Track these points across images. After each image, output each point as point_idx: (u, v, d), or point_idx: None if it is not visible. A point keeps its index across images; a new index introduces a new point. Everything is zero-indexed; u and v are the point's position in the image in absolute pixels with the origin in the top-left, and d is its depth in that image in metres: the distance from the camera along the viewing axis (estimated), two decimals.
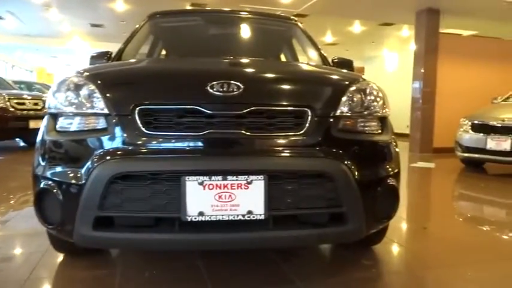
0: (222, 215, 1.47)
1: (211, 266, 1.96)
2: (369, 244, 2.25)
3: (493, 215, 3.45)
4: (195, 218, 1.46)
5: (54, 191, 1.55)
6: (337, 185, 1.55)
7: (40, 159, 1.65)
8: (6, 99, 6.50)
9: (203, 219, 1.46)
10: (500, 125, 5.02)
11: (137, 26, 2.88)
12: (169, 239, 1.50)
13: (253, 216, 1.48)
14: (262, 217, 1.48)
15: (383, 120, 1.85)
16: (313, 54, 2.81)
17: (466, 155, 5.41)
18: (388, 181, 1.76)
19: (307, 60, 2.82)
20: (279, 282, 1.83)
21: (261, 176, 1.48)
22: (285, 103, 1.62)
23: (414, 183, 5.04)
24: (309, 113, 1.60)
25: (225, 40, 3.03)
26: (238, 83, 1.58)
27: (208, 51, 2.76)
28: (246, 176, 1.47)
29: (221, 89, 1.56)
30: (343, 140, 1.64)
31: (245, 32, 3.08)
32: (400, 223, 2.97)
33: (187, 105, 1.54)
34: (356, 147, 1.67)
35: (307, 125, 1.59)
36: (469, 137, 5.30)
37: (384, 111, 1.84)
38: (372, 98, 1.81)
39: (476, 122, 5.31)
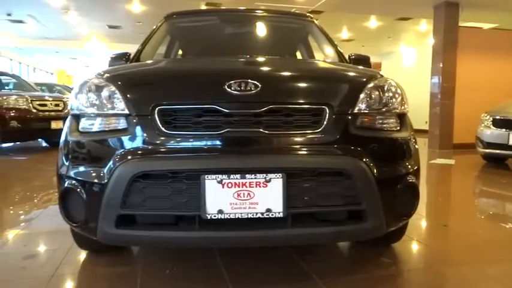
0: (241, 213, 1.48)
1: (230, 264, 1.98)
2: (388, 242, 2.23)
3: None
4: (215, 216, 1.47)
5: (78, 190, 1.59)
6: (356, 182, 1.54)
7: (64, 159, 1.70)
8: (29, 101, 6.67)
9: (222, 217, 1.48)
10: None
11: (154, 27, 2.92)
12: (189, 237, 1.52)
13: (272, 214, 1.49)
14: (281, 215, 1.49)
15: (402, 117, 1.83)
16: (329, 51, 2.80)
17: (488, 150, 5.29)
18: (408, 178, 1.74)
19: (324, 57, 2.81)
20: (299, 279, 1.84)
21: (280, 174, 1.49)
22: (302, 101, 1.62)
23: (434, 181, 4.96)
24: (327, 111, 1.60)
25: (242, 39, 3.04)
26: (255, 82, 1.59)
27: (224, 50, 2.78)
28: (265, 174, 1.48)
29: (239, 88, 1.57)
30: (362, 138, 1.64)
31: (261, 30, 3.09)
32: (420, 220, 2.94)
33: (205, 105, 1.56)
34: (375, 144, 1.66)
35: (325, 122, 1.59)
36: (490, 132, 5.18)
37: (403, 107, 1.83)
38: (390, 94, 1.80)
39: (497, 117, 5.19)
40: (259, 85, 1.59)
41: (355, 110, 1.65)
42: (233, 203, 1.48)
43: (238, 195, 1.48)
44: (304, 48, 3.10)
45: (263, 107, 1.56)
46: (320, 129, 1.58)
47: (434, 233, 2.66)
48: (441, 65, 7.70)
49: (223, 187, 1.48)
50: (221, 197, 1.48)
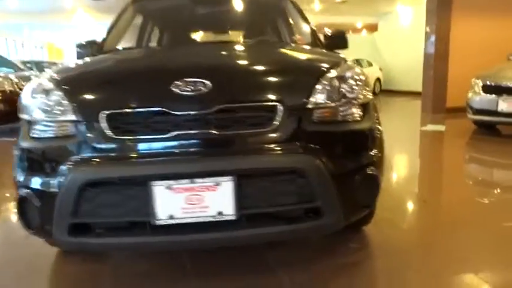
0: (192, 217, 1.48)
1: (194, 256, 2.00)
2: (358, 226, 2.24)
3: (501, 184, 3.37)
4: (166, 222, 1.47)
5: (31, 198, 1.58)
6: (310, 180, 1.52)
7: (18, 165, 1.68)
8: (15, 82, 6.57)
9: (174, 222, 1.47)
10: None
11: (119, 12, 2.81)
12: (142, 242, 1.52)
13: (224, 217, 1.48)
14: (233, 217, 1.48)
15: (364, 106, 1.78)
16: (302, 30, 2.70)
17: (477, 117, 5.23)
18: (368, 170, 1.71)
19: (297, 36, 2.72)
20: (262, 271, 1.86)
21: (229, 176, 1.46)
22: (254, 99, 1.57)
23: (420, 150, 4.95)
24: (280, 107, 1.55)
25: (212, 18, 2.93)
26: (204, 81, 1.54)
27: (194, 32, 2.68)
28: (214, 178, 1.46)
29: (186, 89, 1.52)
30: (318, 133, 1.60)
31: (232, 8, 2.97)
32: (400, 196, 2.94)
33: (153, 107, 1.52)
34: (332, 138, 1.63)
35: (278, 119, 1.54)
36: (479, 99, 5.10)
37: (365, 96, 1.77)
38: (352, 83, 1.74)
39: (487, 82, 5.09)
40: (208, 84, 1.53)
41: (311, 104, 1.60)
42: (184, 208, 1.47)
43: (189, 199, 1.47)
44: (276, 27, 2.98)
45: (213, 108, 1.51)
46: (273, 127, 1.54)
47: (412, 211, 2.67)
48: (435, 25, 7.47)
49: (172, 192, 1.46)
50: (171, 203, 1.46)
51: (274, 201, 1.53)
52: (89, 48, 2.57)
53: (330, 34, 2.61)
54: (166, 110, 1.50)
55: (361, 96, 1.76)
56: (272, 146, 1.53)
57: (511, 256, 1.98)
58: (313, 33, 2.62)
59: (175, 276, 1.85)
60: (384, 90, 13.76)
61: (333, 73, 1.71)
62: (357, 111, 1.74)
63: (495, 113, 4.89)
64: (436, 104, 7.62)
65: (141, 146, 1.51)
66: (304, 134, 1.57)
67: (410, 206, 2.77)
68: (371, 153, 1.76)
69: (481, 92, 5.10)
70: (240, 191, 1.48)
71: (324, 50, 2.27)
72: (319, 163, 1.54)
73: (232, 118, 1.53)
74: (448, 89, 7.61)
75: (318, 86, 1.64)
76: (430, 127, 6.15)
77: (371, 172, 1.72)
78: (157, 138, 1.50)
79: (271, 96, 1.58)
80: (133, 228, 1.53)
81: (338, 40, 2.67)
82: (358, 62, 12.86)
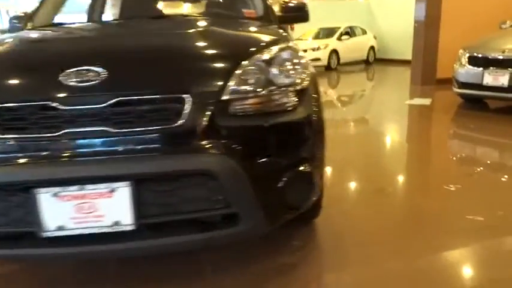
0: (85, 228, 1.30)
1: (119, 261, 1.83)
2: (305, 220, 2.07)
3: (476, 169, 3.18)
4: (54, 234, 1.29)
5: None
6: (223, 183, 1.33)
7: None
8: None
9: (64, 233, 1.29)
10: (499, 58, 4.51)
11: None
12: (31, 254, 1.35)
13: (121, 228, 1.30)
14: (131, 228, 1.30)
15: (300, 93, 1.56)
16: (255, 1, 2.43)
17: (462, 91, 4.99)
18: (300, 168, 1.52)
19: (251, 7, 2.45)
20: (192, 275, 1.70)
21: (126, 182, 1.27)
22: (156, 90, 1.34)
23: (399, 127, 4.74)
24: (188, 100, 1.33)
25: None
26: (97, 69, 1.32)
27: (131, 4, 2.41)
28: (107, 184, 1.27)
29: (76, 79, 1.30)
30: (236, 128, 1.39)
31: None
32: (361, 184, 2.78)
33: (40, 101, 1.30)
34: (254, 133, 1.42)
35: (186, 114, 1.33)
36: (465, 71, 4.83)
37: (301, 82, 1.55)
38: (284, 67, 1.52)
39: (474, 54, 4.80)
40: (103, 73, 1.32)
41: (226, 95, 1.38)
42: (75, 218, 1.29)
43: (80, 208, 1.28)
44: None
45: (109, 100, 1.29)
46: (179, 123, 1.33)
47: (367, 201, 2.48)
48: None
49: (60, 200, 1.27)
50: (59, 212, 1.28)
51: (182, 208, 1.35)
52: (20, 22, 2.32)
53: (286, 6, 2.35)
54: (54, 105, 1.29)
55: (297, 82, 1.54)
56: (178, 145, 1.33)
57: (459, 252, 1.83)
58: (266, 6, 2.36)
59: (92, 282, 1.70)
60: (379, 60, 13.35)
61: (258, 56, 1.48)
62: (289, 100, 1.52)
63: (480, 86, 4.64)
64: (425, 75, 7.31)
65: (27, 147, 1.30)
66: (218, 130, 1.36)
67: (370, 195, 2.59)
68: (305, 148, 1.56)
69: (467, 64, 4.82)
70: (139, 197, 1.30)
71: (266, 27, 2.01)
72: (234, 164, 1.34)
73: (131, 113, 1.31)
74: (438, 59, 7.27)
75: (237, 72, 1.41)
76: (416, 101, 5.91)
77: (303, 170, 1.53)
78: (45, 137, 1.30)
79: (178, 87, 1.36)
80: (21, 239, 1.35)
81: (296, 13, 2.41)
82: (351, 29, 12.40)
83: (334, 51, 11.26)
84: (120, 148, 1.31)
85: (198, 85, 1.37)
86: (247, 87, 1.42)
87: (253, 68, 1.45)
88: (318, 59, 10.86)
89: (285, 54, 1.57)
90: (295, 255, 1.85)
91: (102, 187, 1.27)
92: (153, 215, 1.33)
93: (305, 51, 10.84)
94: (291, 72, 1.55)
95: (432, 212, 2.25)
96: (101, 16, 2.68)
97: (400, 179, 2.89)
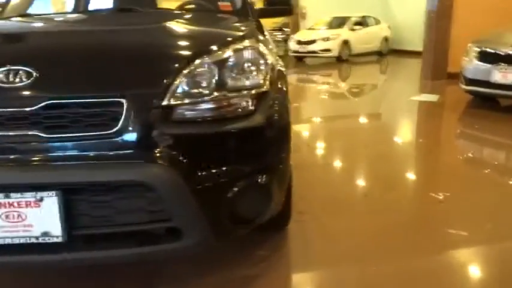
0: (13, 238, 1.22)
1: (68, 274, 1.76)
2: (275, 227, 1.96)
3: (471, 179, 3.01)
4: None
5: None
6: (161, 196, 1.23)
7: None
8: None
9: None
10: (511, 53, 4.26)
11: None
12: None
13: (50, 239, 1.22)
14: (60, 239, 1.22)
15: (257, 98, 1.42)
16: None
17: (469, 88, 4.74)
18: (253, 179, 1.40)
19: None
20: (139, 286, 1.63)
21: (53, 191, 1.19)
22: (92, 93, 1.24)
23: (400, 125, 4.55)
24: (125, 104, 1.23)
25: None
26: (28, 69, 1.22)
27: None
28: (34, 193, 1.19)
29: (6, 79, 1.21)
30: (179, 135, 1.27)
31: None
32: (342, 188, 2.64)
33: None
34: (200, 141, 1.31)
35: (122, 119, 1.23)
36: (472, 67, 4.59)
37: (259, 85, 1.43)
38: (240, 68, 1.40)
39: (483, 48, 4.55)
40: (34, 73, 1.22)
41: (168, 100, 1.27)
42: (3, 227, 1.21)
43: (7, 217, 1.21)
44: None
45: (39, 103, 1.20)
46: (116, 129, 1.23)
47: (345, 207, 2.34)
48: None
49: None
50: None
51: (117, 220, 1.26)
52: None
53: None
54: None
55: (254, 85, 1.42)
56: (112, 153, 1.23)
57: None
58: None
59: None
60: (393, 51, 12.97)
61: (209, 57, 1.36)
62: (243, 105, 1.40)
63: (488, 84, 4.39)
64: (436, 69, 7.02)
65: None
66: (158, 137, 1.25)
67: (349, 201, 2.44)
68: (260, 158, 1.44)
69: (475, 59, 4.58)
70: (69, 208, 1.21)
71: (231, 23, 1.88)
72: (174, 175, 1.24)
73: (63, 117, 1.22)
74: (450, 53, 6.97)
75: (183, 75, 1.30)
76: (422, 97, 5.68)
77: (257, 182, 1.42)
78: None
79: (114, 89, 1.25)
80: None
81: (281, 6, 2.28)
82: (364, 19, 12.05)
83: (346, 42, 10.96)
84: (51, 154, 1.22)
85: (136, 88, 1.26)
86: (194, 91, 1.31)
87: (201, 69, 1.33)
88: (328, 50, 10.60)
89: (244, 54, 1.45)
90: (259, 266, 1.75)
91: (29, 196, 1.19)
92: (84, 227, 1.24)
93: (314, 41, 10.61)
94: (247, 74, 1.43)
95: (412, 224, 2.12)
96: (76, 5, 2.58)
97: (386, 184, 2.74)
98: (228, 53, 1.41)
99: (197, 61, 1.34)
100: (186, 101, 1.30)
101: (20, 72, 1.22)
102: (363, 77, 9.01)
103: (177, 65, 1.31)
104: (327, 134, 4.13)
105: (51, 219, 1.20)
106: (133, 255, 1.31)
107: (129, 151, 1.24)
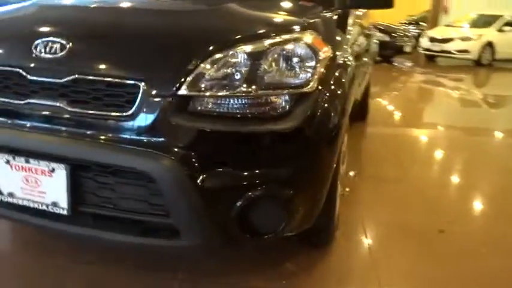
0: (30, 201, 1.29)
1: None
2: (307, 243, 1.75)
3: None
4: (5, 199, 1.31)
5: None
6: (161, 189, 1.17)
7: None
8: None
9: (13, 201, 1.31)
10: None
11: None
12: None
13: (57, 209, 1.25)
14: (65, 212, 1.24)
15: (295, 99, 1.25)
16: None
17: None
18: (270, 189, 1.24)
19: None
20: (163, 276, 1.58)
21: (63, 164, 1.21)
22: (112, 72, 1.23)
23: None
24: (143, 88, 1.18)
25: None
26: (64, 42, 1.25)
27: None
28: (47, 162, 1.22)
29: (44, 50, 1.26)
30: (191, 129, 1.19)
31: None
32: (430, 215, 2.20)
33: (11, 67, 1.31)
34: (215, 139, 1.20)
35: (138, 103, 1.19)
36: None
37: (301, 85, 1.26)
38: (279, 64, 1.25)
39: None
40: (68, 46, 1.25)
41: (188, 89, 1.18)
42: (24, 188, 1.29)
43: (27, 180, 1.28)
44: None
45: (67, 76, 1.23)
46: (130, 113, 1.19)
47: (417, 244, 1.93)
48: None
49: (11, 168, 1.28)
50: (11, 180, 1.29)
51: (121, 205, 1.24)
52: None
53: None
54: (23, 73, 1.28)
55: (296, 83, 1.25)
56: (124, 137, 1.20)
57: None
58: None
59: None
60: None
61: (242, 47, 1.23)
62: (278, 104, 1.24)
63: None
64: None
65: None
66: (170, 127, 1.18)
67: (424, 236, 2.03)
68: (285, 167, 1.26)
69: None
70: (76, 184, 1.23)
71: (293, 9, 1.69)
72: (178, 170, 1.16)
73: (87, 93, 1.23)
74: None
75: (207, 64, 1.19)
76: None
77: (276, 193, 1.26)
78: (12, 103, 1.31)
79: (135, 72, 1.21)
80: None
81: None
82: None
83: (489, 44, 9.46)
84: (70, 129, 1.25)
85: (155, 72, 1.20)
86: (217, 82, 1.20)
87: (231, 59, 1.21)
88: (465, 51, 9.28)
89: (287, 48, 1.28)
90: (279, 281, 1.59)
91: (43, 165, 1.23)
92: (89, 204, 1.25)
93: (450, 40, 9.41)
94: (289, 70, 1.26)
95: None
96: None
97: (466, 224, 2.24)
98: (268, 44, 1.26)
99: (228, 50, 1.21)
100: (207, 93, 1.20)
101: (56, 44, 1.25)
102: (504, 86, 7.70)
103: (201, 52, 1.21)
104: (446, 146, 3.55)
105: (60, 191, 1.24)
106: (135, 243, 1.28)
107: (139, 137, 1.20)
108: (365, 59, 2.83)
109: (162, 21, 1.46)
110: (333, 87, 1.40)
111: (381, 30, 8.06)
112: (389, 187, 2.53)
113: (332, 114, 1.36)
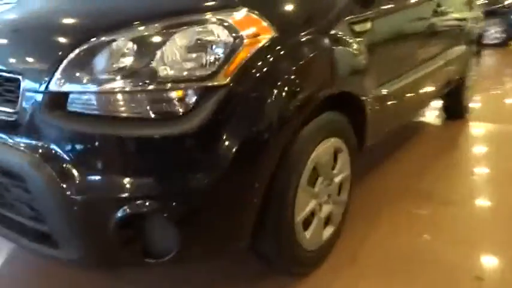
0: None
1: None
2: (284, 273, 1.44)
3: None
4: None
5: None
6: (33, 192, 1.06)
7: None
8: None
9: None
10: None
11: None
12: None
13: None
14: None
15: (201, 96, 1.02)
16: None
17: None
18: (155, 204, 1.01)
19: None
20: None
21: None
22: (5, 67, 1.17)
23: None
24: (22, 83, 1.10)
25: None
26: None
27: None
28: None
29: None
30: (65, 130, 1.04)
31: None
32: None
33: None
34: (91, 143, 1.03)
35: (19, 100, 1.11)
36: None
37: (207, 77, 1.02)
38: (179, 52, 1.04)
39: None
40: None
41: (58, 85, 1.05)
42: None
43: None
44: None
45: None
46: (15, 109, 1.12)
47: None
48: None
49: None
50: None
51: (14, 206, 1.18)
52: None
53: None
54: None
55: (198, 75, 1.03)
56: (12, 133, 1.12)
57: None
58: None
59: None
60: None
61: (121, 33, 1.05)
62: (171, 102, 1.03)
63: None
64: None
65: None
66: (45, 126, 1.07)
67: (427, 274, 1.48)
68: (177, 178, 1.03)
69: None
70: None
71: None
72: (46, 173, 1.03)
73: None
74: None
75: (77, 56, 1.05)
76: None
77: (164, 208, 1.03)
78: None
79: (13, 67, 1.15)
80: None
81: None
82: None
83: None
84: None
85: (30, 66, 1.11)
86: (95, 77, 1.03)
87: (109, 49, 1.04)
88: None
89: (188, 31, 1.04)
90: None
91: None
92: None
93: None
94: (190, 60, 1.03)
95: None
96: None
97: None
98: (162, 27, 1.04)
99: (105, 37, 1.04)
100: (84, 89, 1.04)
101: None
102: None
103: (73, 41, 1.07)
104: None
105: None
106: (29, 247, 1.20)
107: (20, 136, 1.11)
108: (441, 43, 2.47)
109: (46, 10, 1.34)
110: (268, 83, 1.10)
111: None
112: None
113: (253, 119, 1.06)
